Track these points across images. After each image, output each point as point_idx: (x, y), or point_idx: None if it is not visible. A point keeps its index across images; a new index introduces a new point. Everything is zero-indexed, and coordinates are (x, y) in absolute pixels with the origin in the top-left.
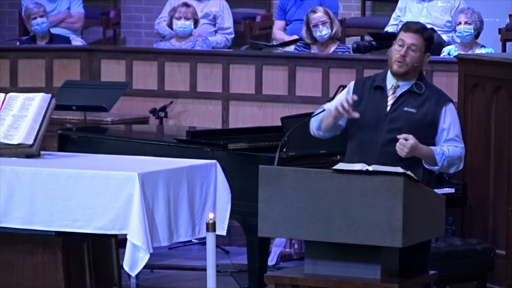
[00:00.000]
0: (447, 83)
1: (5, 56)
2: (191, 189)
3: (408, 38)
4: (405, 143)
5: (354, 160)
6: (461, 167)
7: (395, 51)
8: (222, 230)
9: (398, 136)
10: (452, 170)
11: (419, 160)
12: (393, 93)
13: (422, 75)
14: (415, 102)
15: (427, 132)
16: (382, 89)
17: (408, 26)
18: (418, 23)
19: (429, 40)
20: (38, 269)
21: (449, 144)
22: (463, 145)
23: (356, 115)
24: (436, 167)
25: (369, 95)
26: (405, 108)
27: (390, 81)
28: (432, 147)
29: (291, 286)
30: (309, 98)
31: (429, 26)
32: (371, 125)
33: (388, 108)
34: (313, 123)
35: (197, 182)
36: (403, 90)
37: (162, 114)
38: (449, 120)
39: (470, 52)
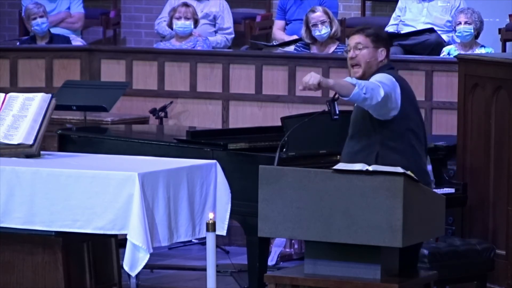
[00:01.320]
0: (447, 83)
1: (5, 56)
2: (191, 189)
3: (351, 40)
4: (309, 74)
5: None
6: (382, 93)
7: (348, 58)
8: (222, 230)
9: (301, 83)
10: (376, 95)
11: (371, 151)
12: None
13: (377, 69)
14: None
15: (364, 117)
16: None
17: (351, 32)
18: (361, 25)
19: (374, 35)
20: (38, 269)
21: None
22: (381, 82)
23: None
24: (355, 90)
25: None
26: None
27: None
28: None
29: (291, 286)
30: (309, 98)
31: (429, 26)
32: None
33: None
34: None
35: (197, 182)
36: None
37: (162, 114)
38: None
39: (470, 52)
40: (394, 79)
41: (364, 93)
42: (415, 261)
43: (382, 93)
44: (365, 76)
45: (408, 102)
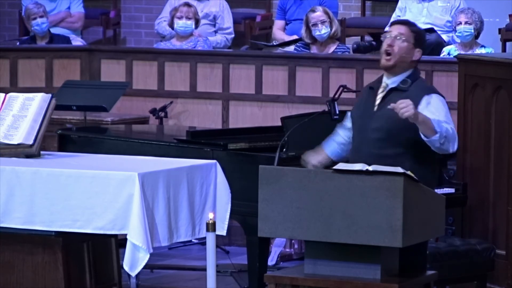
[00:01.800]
0: (447, 83)
1: (5, 56)
2: (191, 189)
3: (394, 29)
4: (405, 102)
5: (351, 162)
6: (455, 147)
7: (383, 44)
8: (222, 230)
9: (392, 106)
10: (448, 146)
11: (404, 160)
12: (382, 91)
13: (414, 73)
14: (398, 99)
15: (408, 126)
16: (373, 89)
17: (394, 21)
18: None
19: (418, 33)
20: (38, 269)
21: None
22: (454, 128)
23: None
24: (436, 136)
25: (366, 97)
26: (388, 106)
27: (384, 81)
28: (427, 116)
29: (291, 286)
30: (309, 98)
31: (429, 26)
32: (360, 125)
33: (376, 108)
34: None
35: (197, 182)
36: (390, 87)
37: (162, 114)
38: (430, 106)
39: (470, 52)
40: (447, 106)
41: (441, 143)
42: (424, 260)
43: (455, 147)
44: (395, 68)
45: None
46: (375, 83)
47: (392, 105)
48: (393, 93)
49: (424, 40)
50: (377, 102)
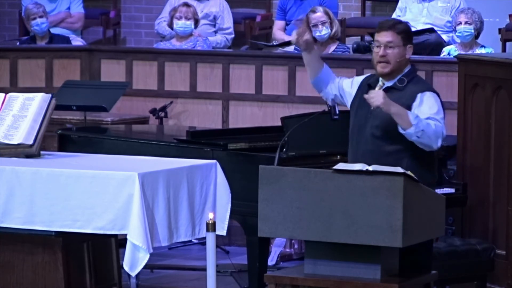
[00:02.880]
0: (447, 83)
1: (5, 56)
2: (191, 189)
3: (382, 37)
4: (375, 92)
5: (350, 161)
6: (437, 145)
7: (375, 53)
8: (222, 230)
9: (365, 97)
10: (428, 142)
11: (402, 157)
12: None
13: (411, 71)
14: (395, 98)
15: None
16: (371, 87)
17: (380, 26)
18: (389, 19)
19: (404, 32)
20: (38, 269)
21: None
22: (441, 125)
23: (306, 36)
24: (411, 129)
25: (362, 93)
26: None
27: (381, 81)
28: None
29: (291, 286)
30: (309, 98)
31: (429, 26)
32: (357, 124)
33: (372, 107)
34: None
35: (197, 182)
36: (387, 86)
37: (162, 114)
38: (423, 103)
39: (470, 52)
40: (441, 103)
41: (418, 137)
42: (427, 261)
43: (439, 144)
44: (393, 74)
45: None
46: (373, 80)
47: (365, 96)
48: (389, 92)
49: (411, 34)
50: None
